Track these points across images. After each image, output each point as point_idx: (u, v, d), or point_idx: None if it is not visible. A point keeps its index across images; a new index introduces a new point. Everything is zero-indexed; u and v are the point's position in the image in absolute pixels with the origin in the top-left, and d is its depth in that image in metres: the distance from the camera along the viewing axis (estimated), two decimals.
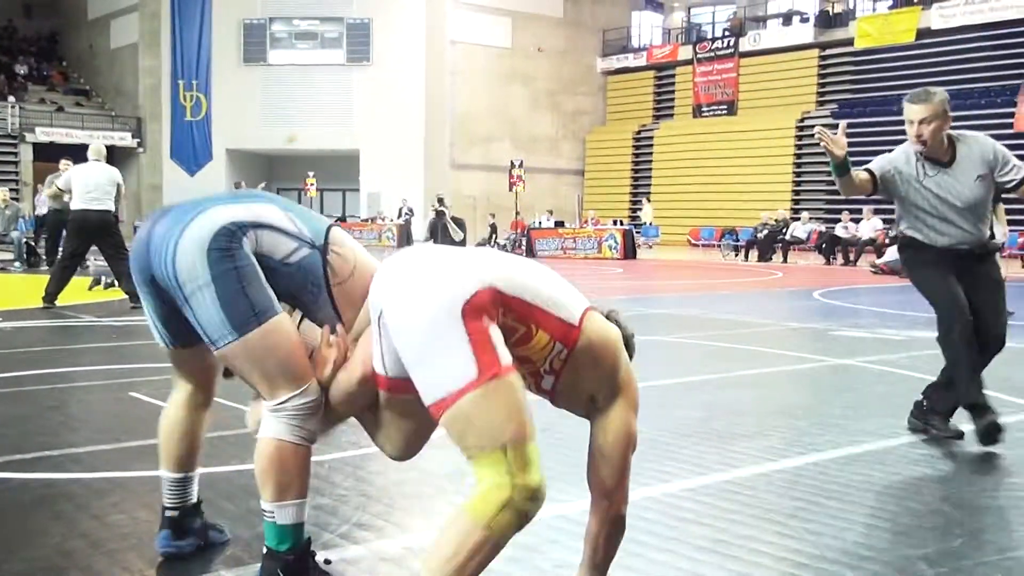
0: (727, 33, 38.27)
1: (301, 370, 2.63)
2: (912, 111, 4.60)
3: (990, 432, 4.45)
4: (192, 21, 37.56)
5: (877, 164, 4.76)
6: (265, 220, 2.63)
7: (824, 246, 23.75)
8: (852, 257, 22.74)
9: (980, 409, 4.53)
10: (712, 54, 37.53)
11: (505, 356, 2.22)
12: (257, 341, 2.57)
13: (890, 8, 33.61)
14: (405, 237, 31.20)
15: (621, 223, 28.44)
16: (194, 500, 3.07)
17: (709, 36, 40.16)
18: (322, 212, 39.03)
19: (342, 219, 36.43)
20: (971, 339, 4.53)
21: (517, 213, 29.78)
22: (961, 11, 30.50)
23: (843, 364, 7.20)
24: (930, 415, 4.81)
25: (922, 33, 31.00)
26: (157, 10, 38.10)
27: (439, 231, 11.83)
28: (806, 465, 4.21)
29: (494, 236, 29.28)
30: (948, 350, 4.64)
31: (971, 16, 30.03)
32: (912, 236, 4.78)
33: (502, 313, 2.27)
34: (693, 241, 32.44)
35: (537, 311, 2.34)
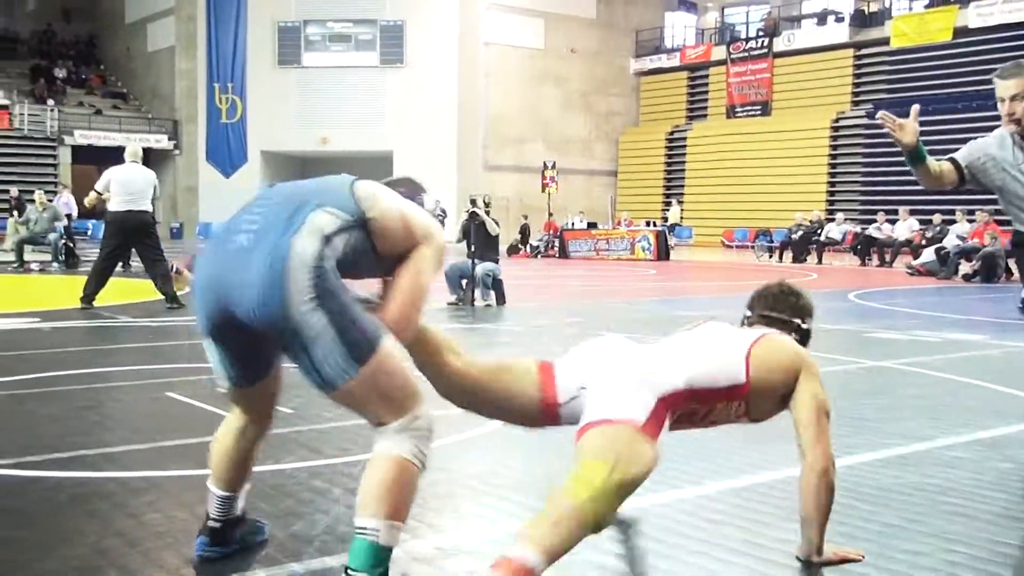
0: (761, 33, 38.05)
1: (415, 384, 2.72)
2: (1003, 87, 4.03)
3: None
4: (227, 24, 37.87)
5: (964, 152, 4.20)
6: (326, 232, 2.59)
7: (859, 247, 23.56)
8: (888, 258, 22.54)
9: None
10: (746, 54, 37.33)
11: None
12: (377, 368, 2.59)
13: (926, 7, 33.27)
14: None
15: (654, 224, 28.36)
16: (238, 514, 3.06)
17: (743, 36, 39.95)
18: None
19: None
20: None
21: (550, 214, 29.78)
22: (999, 9, 30.15)
23: (877, 366, 7.14)
24: None
25: (959, 32, 30.68)
26: (193, 13, 38.45)
27: (472, 231, 11.82)
28: (840, 468, 4.17)
29: (527, 237, 29.28)
30: None
31: (1009, 15, 29.68)
32: (1020, 231, 4.23)
33: (686, 400, 2.85)
34: (727, 242, 32.30)
35: (712, 393, 2.90)
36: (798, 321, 3.27)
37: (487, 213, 12.03)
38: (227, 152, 38.33)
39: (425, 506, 3.62)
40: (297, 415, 5.14)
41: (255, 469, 4.01)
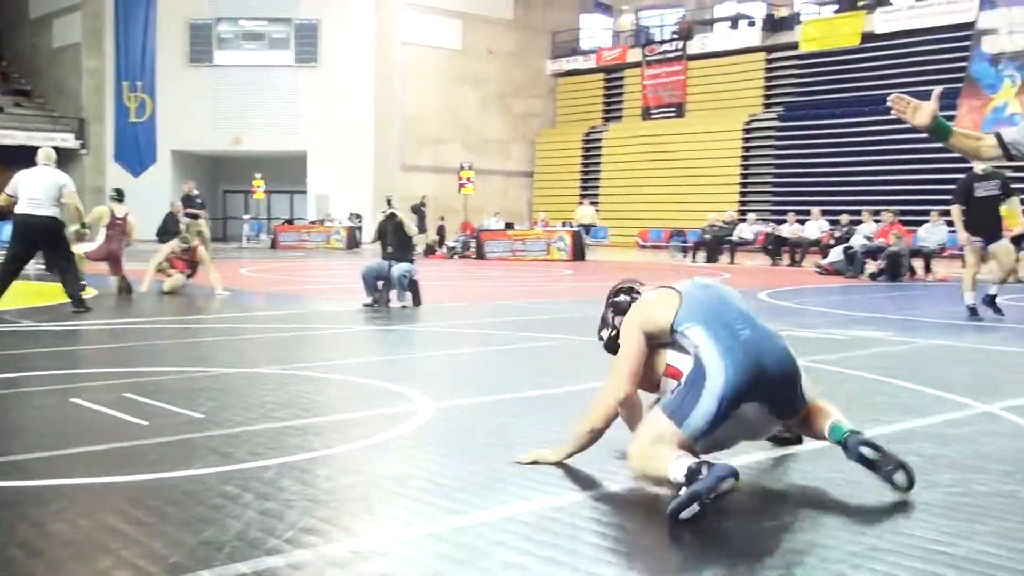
0: (675, 36, 38.55)
1: None
2: None
3: None
4: (136, 21, 37.10)
5: (1014, 129, 4.14)
6: None
7: (770, 247, 24.02)
8: (797, 258, 23.02)
9: None
10: (661, 57, 37.78)
11: None
12: None
13: (835, 12, 34.06)
14: (354, 239, 31.09)
15: (570, 225, 28.54)
16: None
17: (658, 39, 40.43)
18: (269, 215, 38.80)
19: (290, 221, 36.20)
20: None
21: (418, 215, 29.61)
22: (904, 15, 31.02)
23: None
24: None
25: (866, 37, 31.47)
26: (100, 9, 37.60)
27: (390, 231, 11.76)
28: (752, 463, 4.27)
29: (443, 238, 29.25)
30: None
31: (914, 20, 30.55)
32: None
33: None
34: (642, 242, 32.64)
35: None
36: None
37: (397, 214, 11.92)
38: (136, 152, 37.53)
39: (340, 509, 3.60)
40: (208, 420, 5.07)
41: (165, 476, 3.95)
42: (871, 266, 18.68)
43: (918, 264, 18.73)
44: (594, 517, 3.50)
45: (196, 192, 22.13)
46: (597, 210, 33.37)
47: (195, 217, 21.57)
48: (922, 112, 3.92)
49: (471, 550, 3.15)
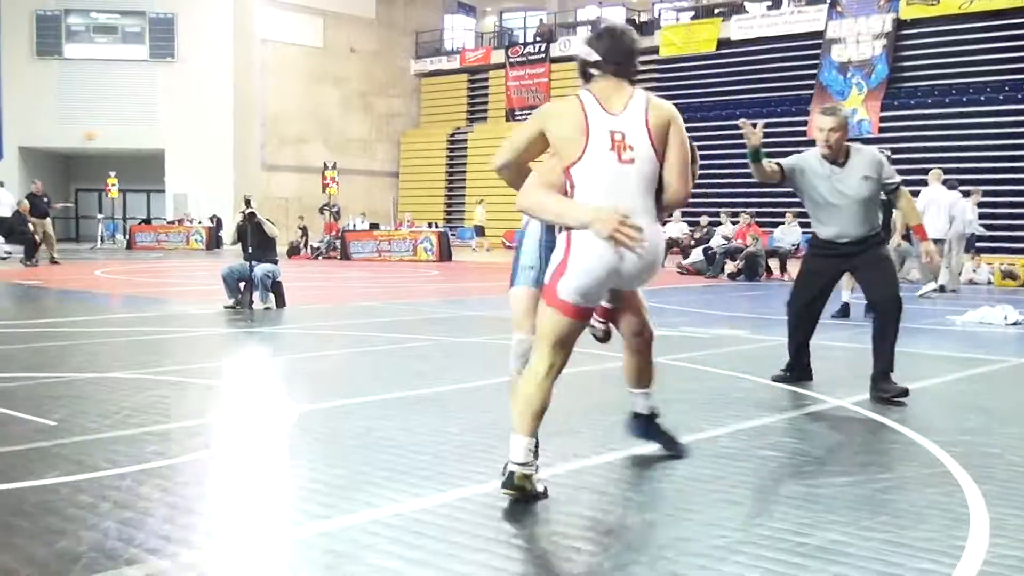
0: (538, 38, 38.95)
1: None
2: (823, 121, 5.96)
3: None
4: None
5: (789, 160, 6.13)
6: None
7: None
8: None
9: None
10: (524, 59, 38.11)
11: None
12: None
13: (692, 19, 34.99)
14: (214, 239, 30.40)
15: (436, 225, 28.52)
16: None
17: (521, 41, 40.76)
18: (124, 214, 37.48)
19: (147, 221, 35.12)
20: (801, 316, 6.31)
21: (338, 215, 29.41)
22: (758, 23, 32.07)
23: None
24: (876, 382, 5.87)
25: (722, 43, 32.42)
26: None
27: (250, 232, 11.53)
28: (613, 462, 4.34)
29: (306, 238, 28.85)
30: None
31: (767, 28, 31.62)
32: (817, 235, 6.20)
33: None
34: (508, 243, 32.83)
35: None
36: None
37: (257, 214, 11.69)
38: None
39: (202, 516, 3.51)
40: (60, 427, 4.88)
41: (14, 486, 3.79)
42: (730, 266, 19.22)
43: (774, 264, 19.37)
44: (463, 517, 3.50)
45: (39, 192, 21.31)
46: (485, 210, 33.43)
47: (43, 216, 20.80)
48: (756, 137, 5.85)
49: (338, 555, 3.11)
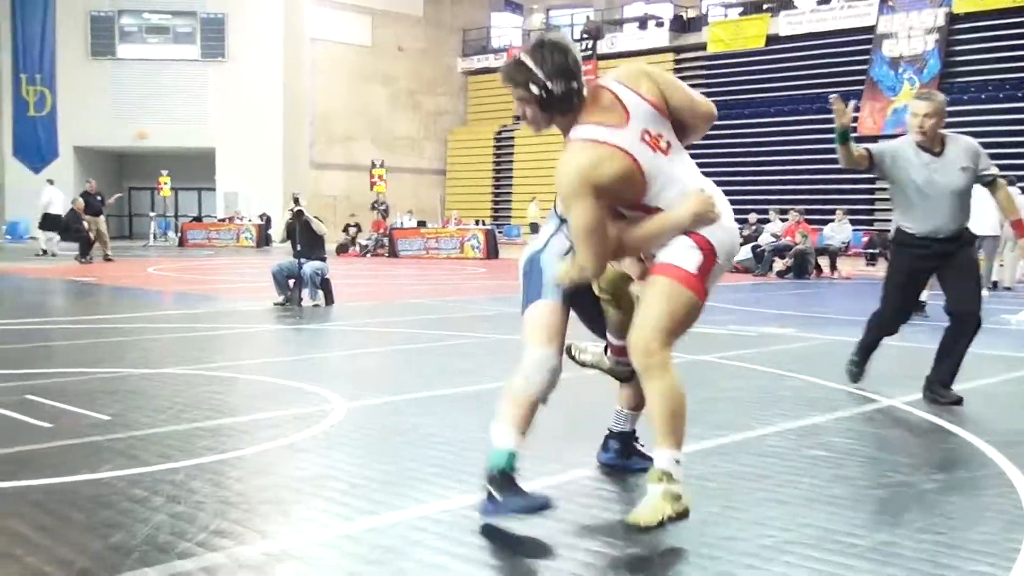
0: (585, 36, 38.83)
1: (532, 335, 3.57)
2: (918, 106, 5.53)
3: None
4: (34, 12, 36.04)
5: (877, 146, 5.76)
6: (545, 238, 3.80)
7: None
8: None
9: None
10: None
11: None
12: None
13: (741, 15, 34.69)
14: (264, 237, 30.68)
15: (483, 223, 28.54)
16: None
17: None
18: (176, 212, 37.93)
19: (198, 219, 35.50)
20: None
21: (387, 212, 29.58)
22: (807, 19, 31.73)
23: (697, 360, 7.40)
24: (933, 385, 5.70)
25: (771, 39, 32.11)
26: None
27: (298, 231, 11.62)
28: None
29: (356, 236, 29.02)
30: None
31: (816, 24, 31.27)
32: (902, 227, 5.76)
33: None
34: None
35: None
36: (533, 89, 3.33)
37: (305, 212, 11.77)
38: (36, 147, 36.42)
39: (252, 511, 3.55)
40: (114, 422, 4.95)
41: (70, 479, 3.85)
42: (778, 264, 19.05)
43: (824, 262, 19.17)
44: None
45: (93, 191, 21.64)
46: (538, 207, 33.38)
47: (97, 214, 21.13)
48: (847, 116, 5.39)
49: (387, 550, 3.13)
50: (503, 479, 3.29)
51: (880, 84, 29.08)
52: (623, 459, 4.08)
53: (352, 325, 10.12)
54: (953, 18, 28.13)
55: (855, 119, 28.95)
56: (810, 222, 20.66)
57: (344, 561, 3.06)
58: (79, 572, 2.89)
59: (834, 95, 5.49)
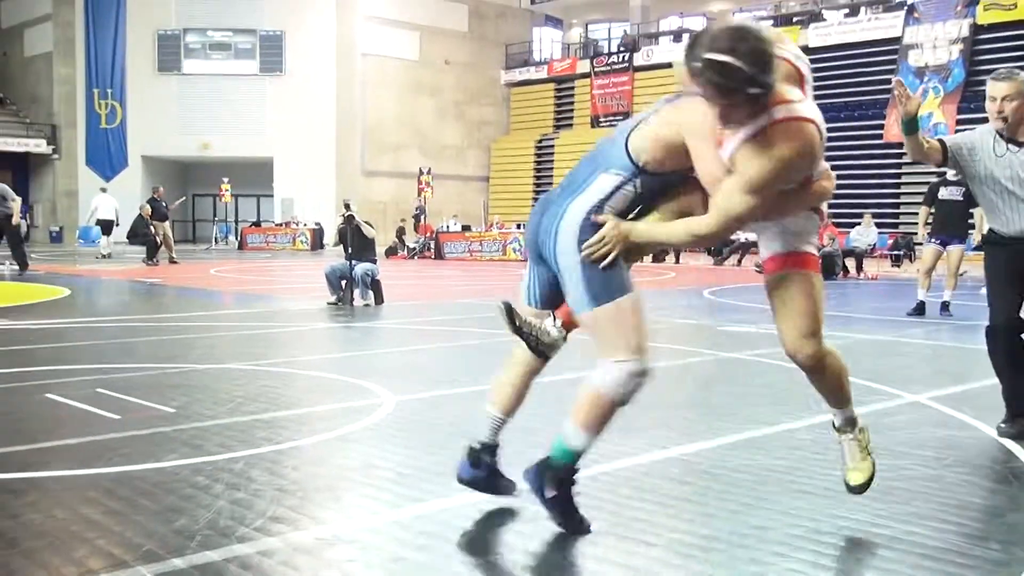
0: (622, 48, 38.72)
1: (634, 339, 3.02)
2: (995, 88, 4.50)
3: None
4: (106, 30, 36.61)
5: (952, 137, 4.74)
6: (605, 192, 3.01)
7: (713, 247, 24.17)
8: (739, 258, 23.21)
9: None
10: (608, 68, 37.94)
11: None
12: (605, 315, 3.01)
13: (772, 27, 34.40)
14: (318, 241, 30.91)
15: (524, 227, 28.51)
16: (496, 442, 3.45)
17: (605, 51, 40.57)
18: (237, 218, 38.35)
19: (257, 224, 35.86)
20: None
21: (426, 218, 29.75)
22: (836, 30, 31.41)
23: (729, 357, 7.35)
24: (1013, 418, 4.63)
25: (802, 50, 31.72)
26: (71, 19, 37.03)
27: (349, 234, 11.69)
28: (696, 451, 4.29)
29: (403, 239, 29.15)
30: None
31: (845, 35, 30.96)
32: (992, 229, 4.71)
33: None
34: None
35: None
36: (752, 90, 2.73)
37: (355, 217, 11.82)
38: (107, 157, 37.01)
39: (307, 499, 3.57)
40: (179, 414, 5.01)
41: (137, 468, 3.90)
42: None
43: (851, 264, 18.96)
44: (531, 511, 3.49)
45: (160, 198, 21.91)
46: None
47: (163, 219, 21.40)
48: (913, 102, 4.31)
49: (433, 536, 3.14)
50: (560, 478, 3.13)
51: None
52: (493, 479, 3.47)
53: (401, 323, 10.16)
54: (977, 28, 27.72)
55: (880, 127, 28.66)
56: (837, 225, 20.46)
57: (392, 546, 3.08)
58: (145, 554, 2.92)
59: (897, 78, 4.54)
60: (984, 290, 4.91)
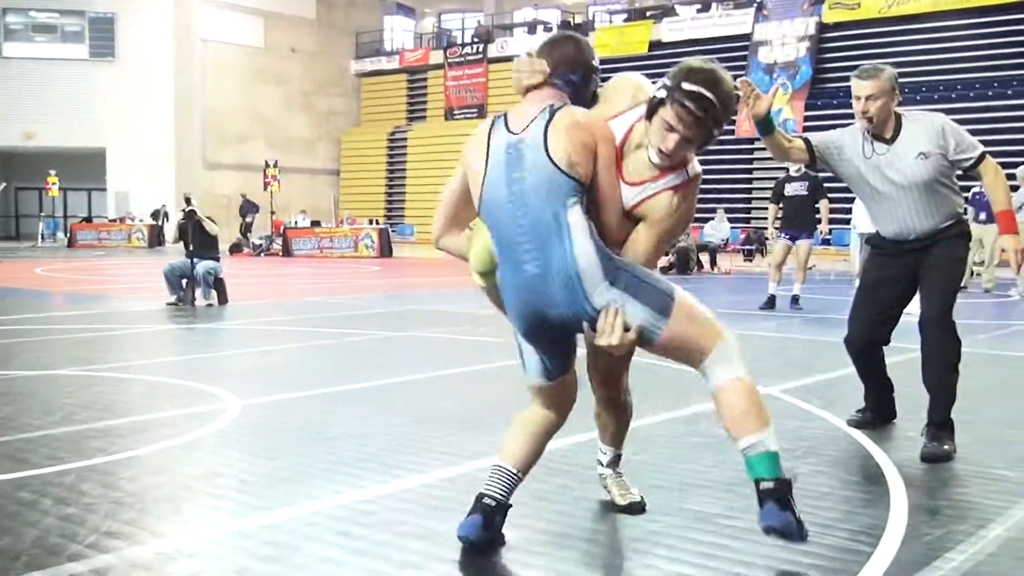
0: (476, 40, 38.89)
1: (711, 317, 2.99)
2: (859, 87, 4.30)
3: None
4: None
5: (819, 137, 4.54)
6: (585, 223, 2.89)
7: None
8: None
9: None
10: (462, 59, 38.03)
11: None
12: (679, 314, 2.90)
13: (625, 21, 35.20)
14: (157, 237, 29.95)
15: (377, 222, 28.37)
16: (510, 503, 3.10)
17: (459, 42, 40.68)
18: (65, 213, 36.74)
19: (88, 219, 34.46)
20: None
21: (273, 212, 29.20)
22: (688, 25, 32.34)
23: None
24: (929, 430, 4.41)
25: (654, 45, 32.62)
26: None
27: (190, 230, 11.38)
28: (553, 449, 4.35)
29: (248, 234, 28.55)
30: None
31: (697, 30, 31.89)
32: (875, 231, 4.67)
33: None
34: None
35: None
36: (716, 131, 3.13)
37: (197, 212, 11.53)
38: None
39: (144, 511, 3.46)
40: (3, 425, 4.78)
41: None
42: (662, 260, 19.38)
43: (704, 258, 19.58)
44: (405, 508, 3.49)
45: None
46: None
47: None
48: (762, 102, 4.12)
49: (280, 546, 3.09)
50: (791, 489, 2.96)
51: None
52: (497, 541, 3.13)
53: (246, 324, 9.96)
54: (823, 27, 29.02)
55: (733, 121, 29.69)
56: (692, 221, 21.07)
57: (236, 557, 3.01)
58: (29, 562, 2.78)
59: (744, 78, 4.10)
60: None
